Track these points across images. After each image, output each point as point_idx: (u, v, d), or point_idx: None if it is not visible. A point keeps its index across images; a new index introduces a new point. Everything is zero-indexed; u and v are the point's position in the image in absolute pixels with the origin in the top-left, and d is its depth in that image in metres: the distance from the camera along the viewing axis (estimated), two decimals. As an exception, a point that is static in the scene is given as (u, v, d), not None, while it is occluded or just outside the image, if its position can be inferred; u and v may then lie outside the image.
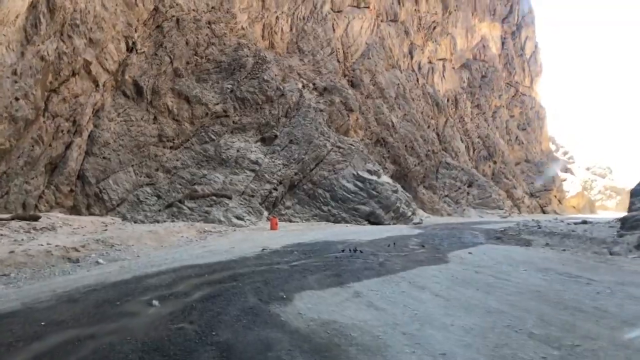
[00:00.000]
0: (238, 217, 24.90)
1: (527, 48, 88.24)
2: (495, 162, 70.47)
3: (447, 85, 68.70)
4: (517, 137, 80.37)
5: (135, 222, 23.46)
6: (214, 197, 26.16)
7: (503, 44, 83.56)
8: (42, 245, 11.20)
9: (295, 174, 31.31)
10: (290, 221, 29.17)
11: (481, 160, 68.97)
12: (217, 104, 32.00)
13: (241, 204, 27.03)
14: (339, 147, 34.00)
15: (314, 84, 41.16)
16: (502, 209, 54.98)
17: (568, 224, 23.93)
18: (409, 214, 32.17)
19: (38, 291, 7.79)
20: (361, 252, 12.89)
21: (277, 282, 8.45)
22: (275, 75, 36.15)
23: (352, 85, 48.68)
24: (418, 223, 32.01)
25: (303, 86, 39.39)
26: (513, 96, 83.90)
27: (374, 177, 32.27)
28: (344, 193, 30.98)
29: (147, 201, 25.83)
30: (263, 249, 13.46)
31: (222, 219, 24.30)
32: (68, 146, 24.09)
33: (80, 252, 11.34)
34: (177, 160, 28.67)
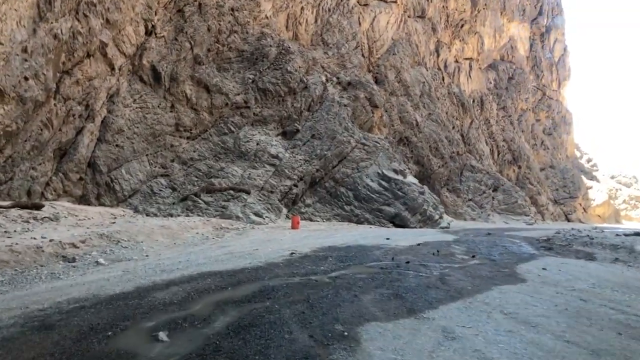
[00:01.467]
0: (256, 214, 23.37)
1: (555, 51, 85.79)
2: (519, 167, 68.45)
3: (473, 86, 66.73)
4: (542, 142, 78.14)
5: (147, 215, 22.04)
6: (232, 192, 24.66)
7: (531, 45, 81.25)
8: (34, 239, 9.67)
9: (317, 170, 29.74)
10: (311, 220, 27.60)
11: (505, 164, 67.03)
12: (238, 94, 30.51)
13: (260, 200, 25.52)
14: (364, 144, 32.34)
15: (337, 78, 39.50)
16: (527, 216, 52.98)
17: (617, 234, 22.08)
18: (436, 217, 30.42)
19: (2, 307, 6.00)
20: (407, 262, 11.22)
21: (325, 304, 6.57)
22: (299, 67, 34.58)
23: (377, 81, 46.96)
24: (446, 227, 30.28)
25: (327, 80, 37.80)
26: (540, 100, 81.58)
27: (400, 177, 30.58)
28: (368, 193, 29.32)
29: (161, 193, 24.41)
30: (292, 253, 11.86)
31: (240, 215, 22.78)
32: (79, 131, 22.71)
33: (78, 248, 9.82)
34: (194, 151, 27.24)
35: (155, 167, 25.42)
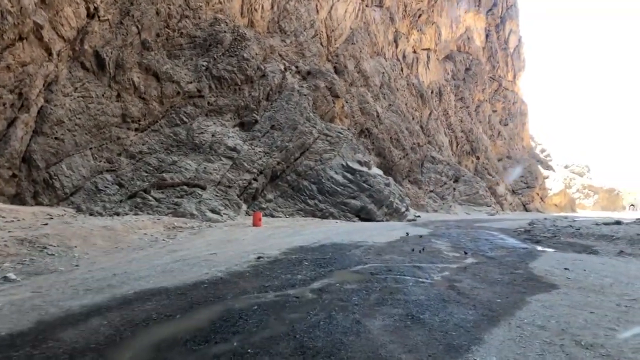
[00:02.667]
0: (213, 211, 21.45)
1: (510, 42, 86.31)
2: (478, 158, 68.49)
3: (431, 77, 66.17)
4: (499, 133, 78.53)
5: (91, 215, 19.81)
6: (186, 187, 22.66)
7: (487, 36, 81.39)
8: None
9: (278, 163, 27.98)
10: (272, 216, 25.82)
11: (464, 155, 66.93)
12: (191, 82, 28.39)
13: (217, 195, 23.59)
14: (326, 135, 30.75)
15: (296, 67, 37.76)
16: (489, 206, 52.75)
17: (597, 224, 21.23)
18: (403, 209, 29.13)
19: None
20: (396, 263, 9.68)
21: (320, 341, 4.72)
22: (256, 54, 32.66)
23: (336, 71, 45.41)
24: (413, 220, 29.09)
25: (285, 68, 35.98)
26: (496, 90, 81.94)
27: (365, 169, 29.15)
28: (332, 185, 27.76)
29: (107, 190, 22.17)
30: (259, 257, 10.06)
31: (195, 212, 20.82)
32: (11, 123, 20.21)
33: (-13, 259, 7.82)
34: (144, 144, 25.05)
35: (100, 161, 23.14)
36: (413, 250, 12.17)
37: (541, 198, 76.58)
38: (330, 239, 14.41)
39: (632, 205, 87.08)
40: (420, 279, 8.00)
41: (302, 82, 36.39)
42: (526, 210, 70.25)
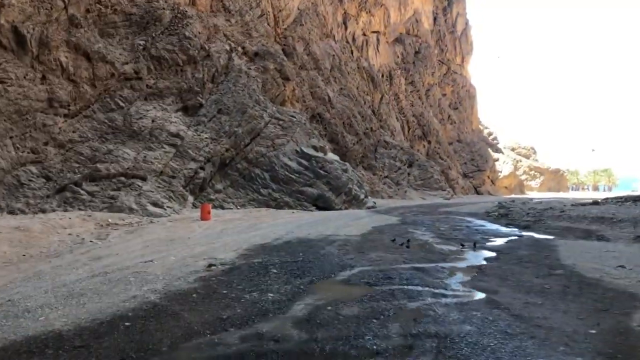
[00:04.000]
0: (155, 204, 19.11)
1: (458, 25, 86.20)
2: (429, 142, 68.03)
3: (381, 60, 64.92)
4: (449, 116, 78.32)
5: (11, 213, 17.15)
6: (123, 179, 20.22)
7: (435, 19, 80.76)
8: None
9: (227, 150, 25.76)
10: (223, 208, 23.64)
11: (416, 139, 66.30)
12: (126, 63, 25.68)
13: (159, 187, 21.22)
14: (278, 119, 28.67)
15: (243, 48, 35.40)
16: (444, 190, 52.24)
17: (573, 205, 20.11)
18: (362, 196, 27.52)
19: None
20: (393, 268, 7.78)
21: None
22: (199, 32, 30.13)
23: (285, 54, 43.19)
24: (373, 207, 27.53)
25: (231, 49, 33.54)
26: (445, 74, 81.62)
27: (321, 154, 27.31)
28: (287, 173, 25.77)
29: (32, 184, 19.43)
30: (210, 265, 7.86)
31: (134, 206, 18.43)
32: None
33: None
34: (74, 131, 22.30)
35: (24, 152, 20.32)
36: (395, 242, 10.43)
37: (492, 181, 77.06)
38: (294, 233, 12.48)
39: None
40: (436, 290, 6.14)
41: (250, 64, 34.15)
42: (477, 193, 70.38)
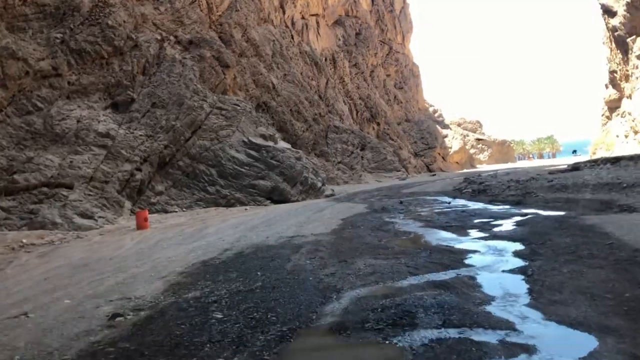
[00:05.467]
0: (84, 215, 16.49)
1: (396, 3, 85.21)
2: (378, 124, 66.96)
3: (323, 43, 63.09)
4: (395, 97, 77.43)
5: None
6: (45, 189, 17.45)
7: (373, -1, 79.38)
8: None
9: (166, 147, 23.21)
10: (166, 212, 21.15)
11: (365, 122, 65.12)
12: (43, 59, 22.66)
13: (89, 194, 18.55)
14: (221, 109, 26.23)
15: (176, 37, 32.63)
16: (399, 171, 51.13)
17: (550, 173, 18.66)
18: (319, 185, 25.52)
19: None
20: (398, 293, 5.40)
21: None
22: (124, 21, 27.22)
23: (222, 41, 40.55)
24: (332, 195, 25.60)
25: (162, 39, 30.75)
26: (387, 54, 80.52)
27: (271, 143, 25.12)
28: (235, 167, 23.44)
29: None
30: (114, 316, 5.10)
31: (58, 220, 15.77)
32: None
33: None
34: (-16, 140, 19.31)
35: None
36: (386, 244, 8.24)
37: (443, 157, 76.76)
38: (247, 237, 10.25)
39: (574, 151, 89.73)
40: (508, 342, 3.69)
41: (185, 53, 31.46)
42: (430, 171, 69.75)
